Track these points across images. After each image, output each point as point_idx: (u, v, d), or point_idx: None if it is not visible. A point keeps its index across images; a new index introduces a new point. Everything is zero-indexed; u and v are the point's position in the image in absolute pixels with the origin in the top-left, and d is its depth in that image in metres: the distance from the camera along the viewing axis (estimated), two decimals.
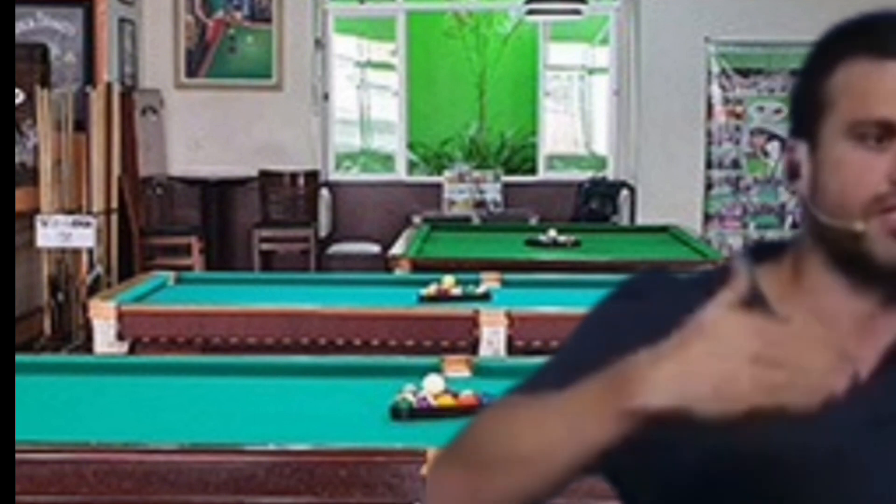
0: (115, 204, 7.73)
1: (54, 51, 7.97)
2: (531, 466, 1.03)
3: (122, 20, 8.64)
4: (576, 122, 10.87)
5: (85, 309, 5.19)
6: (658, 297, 1.22)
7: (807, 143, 1.20)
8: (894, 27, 1.16)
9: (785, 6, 8.77)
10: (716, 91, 9.01)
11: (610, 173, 9.71)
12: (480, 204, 9.32)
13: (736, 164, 9.04)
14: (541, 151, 9.96)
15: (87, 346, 5.36)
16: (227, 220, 9.29)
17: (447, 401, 2.78)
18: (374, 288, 4.88)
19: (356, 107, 10.64)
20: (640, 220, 8.84)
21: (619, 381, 0.98)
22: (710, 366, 0.95)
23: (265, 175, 9.07)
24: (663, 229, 6.97)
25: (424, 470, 2.31)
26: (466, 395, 2.80)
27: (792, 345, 0.96)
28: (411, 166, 10.15)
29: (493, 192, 9.38)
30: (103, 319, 4.05)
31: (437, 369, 3.08)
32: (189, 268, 7.89)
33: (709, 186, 9.05)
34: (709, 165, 9.05)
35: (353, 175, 10.11)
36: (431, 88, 10.80)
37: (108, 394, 3.09)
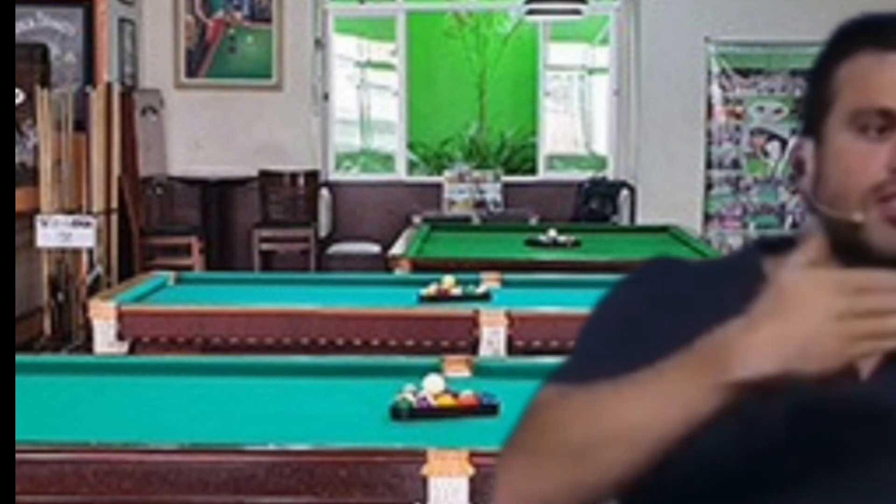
0: (115, 204, 7.72)
1: (54, 51, 7.97)
2: (630, 442, 1.05)
3: (122, 20, 8.63)
4: (576, 122, 10.87)
5: (85, 309, 5.18)
6: (670, 279, 1.25)
7: (813, 139, 1.23)
8: None
9: (785, 6, 8.77)
10: (716, 91, 9.01)
11: (610, 173, 9.71)
12: (480, 204, 9.31)
13: (736, 164, 9.03)
14: (541, 151, 9.95)
15: (87, 346, 5.36)
16: (227, 220, 9.28)
17: (447, 401, 2.77)
18: (374, 288, 4.87)
19: (356, 107, 10.63)
20: (640, 220, 8.83)
21: (715, 354, 1.01)
22: (799, 327, 0.98)
23: (265, 175, 9.07)
24: (663, 229, 6.97)
25: (425, 470, 2.31)
26: (466, 395, 2.80)
27: (874, 292, 0.98)
28: (411, 166, 10.15)
29: (493, 192, 9.38)
30: (103, 319, 4.05)
31: (437, 369, 3.08)
32: (189, 268, 7.89)
33: (709, 186, 9.05)
34: (709, 165, 9.05)
35: (353, 175, 10.11)
36: (431, 88, 10.79)
37: (108, 394, 3.09)
